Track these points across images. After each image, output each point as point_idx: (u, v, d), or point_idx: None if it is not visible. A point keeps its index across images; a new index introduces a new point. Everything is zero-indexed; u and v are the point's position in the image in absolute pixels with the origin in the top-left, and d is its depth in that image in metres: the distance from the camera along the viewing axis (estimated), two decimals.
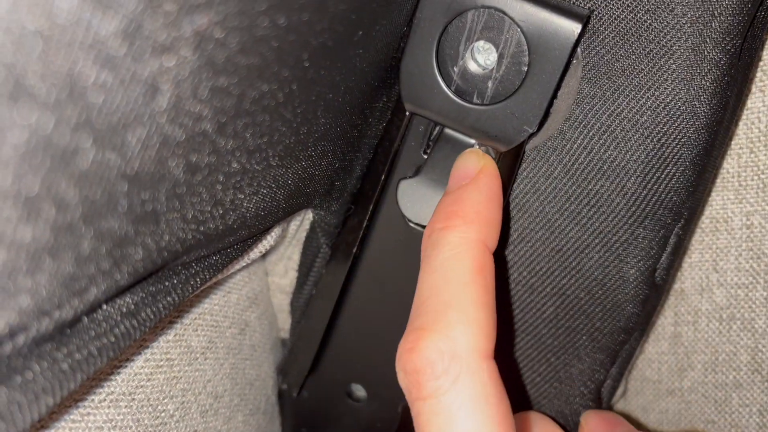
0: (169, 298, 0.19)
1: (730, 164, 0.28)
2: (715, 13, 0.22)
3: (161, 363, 0.25)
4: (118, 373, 0.23)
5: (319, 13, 0.17)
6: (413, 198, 0.27)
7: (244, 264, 0.26)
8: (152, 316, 0.19)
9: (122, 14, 0.12)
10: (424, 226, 0.27)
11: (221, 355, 0.28)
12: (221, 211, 0.18)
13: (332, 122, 0.22)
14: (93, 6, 0.12)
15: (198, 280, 0.20)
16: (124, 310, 0.18)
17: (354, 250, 0.28)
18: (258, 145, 0.18)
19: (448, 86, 0.24)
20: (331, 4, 0.17)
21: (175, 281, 0.19)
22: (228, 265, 0.22)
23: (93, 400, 0.22)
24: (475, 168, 0.23)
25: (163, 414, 0.25)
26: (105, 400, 0.22)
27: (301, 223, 0.30)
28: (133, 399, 0.23)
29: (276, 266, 0.32)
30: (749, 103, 0.27)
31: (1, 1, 0.11)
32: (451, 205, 0.22)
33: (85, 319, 0.16)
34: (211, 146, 0.16)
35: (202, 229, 0.18)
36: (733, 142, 0.28)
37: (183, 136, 0.15)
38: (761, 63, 0.26)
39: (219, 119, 0.16)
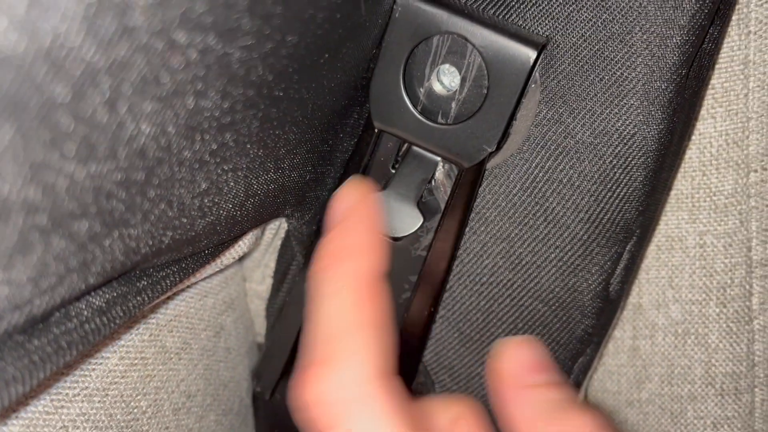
0: (139, 298, 0.21)
1: (684, 186, 0.29)
2: (664, 45, 0.24)
3: (136, 361, 0.26)
4: (93, 370, 0.24)
5: (279, 45, 0.18)
6: (381, 210, 0.28)
7: (218, 269, 0.27)
8: (122, 314, 0.20)
9: (97, 38, 0.14)
10: (392, 237, 0.28)
11: (195, 356, 0.30)
12: (190, 219, 0.20)
13: (301, 137, 0.24)
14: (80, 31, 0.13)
15: (168, 282, 0.22)
16: (95, 307, 0.19)
17: None
18: (225, 157, 0.20)
19: (415, 106, 0.26)
20: (288, 41, 0.18)
21: (146, 283, 0.21)
22: (199, 269, 0.24)
23: (67, 394, 0.23)
24: (345, 204, 0.25)
25: (135, 410, 0.26)
26: (79, 394, 0.24)
27: (277, 232, 0.31)
28: (107, 395, 0.25)
29: (254, 273, 0.34)
30: (702, 129, 0.28)
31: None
32: (330, 244, 0.23)
33: (57, 314, 0.18)
34: (177, 158, 0.17)
35: (170, 234, 0.19)
36: (687, 165, 0.29)
37: (150, 149, 0.16)
38: (713, 91, 0.28)
39: (186, 134, 0.17)
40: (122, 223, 0.17)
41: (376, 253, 0.23)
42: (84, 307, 0.19)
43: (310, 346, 0.21)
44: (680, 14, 0.23)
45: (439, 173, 0.28)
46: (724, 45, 0.27)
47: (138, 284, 0.21)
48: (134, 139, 0.15)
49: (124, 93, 0.14)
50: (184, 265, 0.23)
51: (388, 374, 0.21)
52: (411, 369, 0.31)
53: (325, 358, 0.20)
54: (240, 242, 0.27)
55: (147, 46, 0.14)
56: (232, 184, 0.21)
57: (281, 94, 0.20)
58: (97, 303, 0.19)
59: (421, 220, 0.28)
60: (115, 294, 0.20)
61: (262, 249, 0.32)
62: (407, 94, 0.26)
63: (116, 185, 0.16)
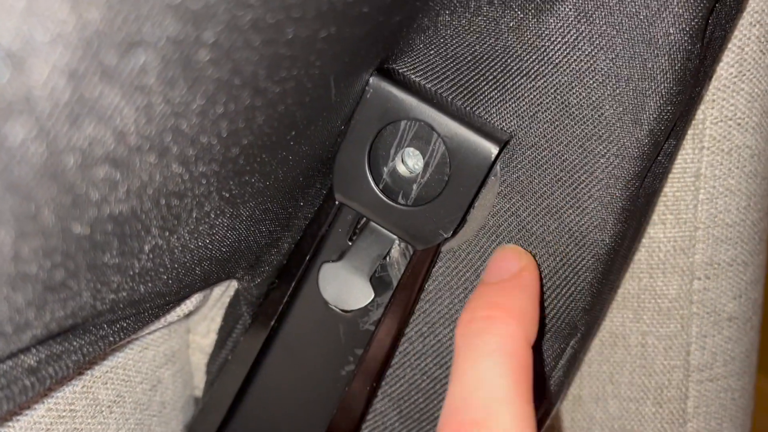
0: (74, 357, 0.20)
1: (631, 286, 0.30)
2: (621, 156, 0.24)
3: (64, 414, 0.25)
4: (17, 421, 0.23)
5: (247, 126, 0.18)
6: (334, 281, 0.28)
7: (161, 326, 0.27)
8: (54, 374, 0.19)
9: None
10: (341, 310, 0.28)
11: (128, 410, 0.29)
12: (135, 284, 0.19)
13: (261, 206, 0.24)
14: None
15: (106, 342, 0.21)
16: (26, 366, 0.18)
17: (272, 323, 0.29)
18: (179, 225, 0.20)
19: (377, 184, 0.26)
20: (257, 123, 0.18)
21: (82, 342, 0.20)
22: (141, 328, 0.23)
23: None
24: (517, 265, 0.25)
25: None
26: None
27: (226, 289, 0.31)
28: None
29: (198, 325, 0.33)
30: (652, 233, 0.29)
31: None
32: (495, 296, 0.23)
33: None
34: (129, 228, 0.17)
35: (113, 297, 0.19)
36: (635, 267, 0.30)
37: (94, 216, 0.16)
38: (665, 198, 0.29)
39: (140, 206, 0.17)
40: (63, 289, 0.17)
41: (536, 325, 0.23)
42: (13, 365, 0.18)
43: (469, 400, 0.21)
44: (638, 129, 0.24)
45: (395, 251, 0.28)
46: (678, 157, 0.28)
47: (74, 343, 0.20)
48: (87, 211, 0.15)
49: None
50: (125, 324, 0.22)
51: None
52: None
53: (484, 423, 0.20)
54: (187, 301, 0.26)
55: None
56: (181, 249, 0.21)
57: (246, 168, 0.21)
58: (28, 362, 0.18)
59: (372, 295, 0.28)
60: (48, 353, 0.19)
61: (209, 303, 0.32)
62: (371, 172, 0.26)
63: (62, 255, 0.15)
